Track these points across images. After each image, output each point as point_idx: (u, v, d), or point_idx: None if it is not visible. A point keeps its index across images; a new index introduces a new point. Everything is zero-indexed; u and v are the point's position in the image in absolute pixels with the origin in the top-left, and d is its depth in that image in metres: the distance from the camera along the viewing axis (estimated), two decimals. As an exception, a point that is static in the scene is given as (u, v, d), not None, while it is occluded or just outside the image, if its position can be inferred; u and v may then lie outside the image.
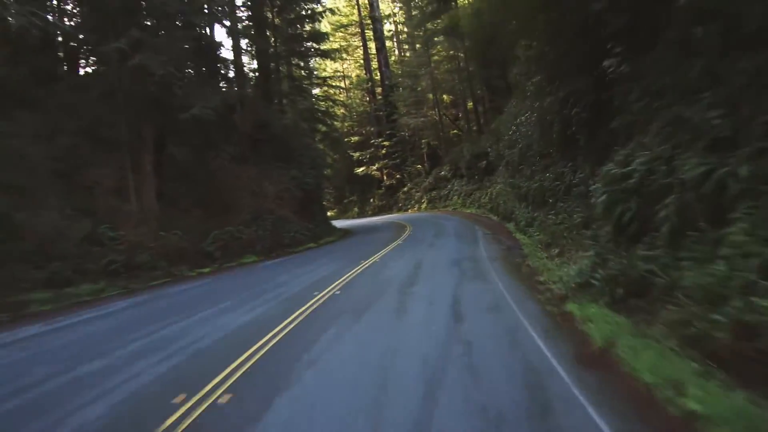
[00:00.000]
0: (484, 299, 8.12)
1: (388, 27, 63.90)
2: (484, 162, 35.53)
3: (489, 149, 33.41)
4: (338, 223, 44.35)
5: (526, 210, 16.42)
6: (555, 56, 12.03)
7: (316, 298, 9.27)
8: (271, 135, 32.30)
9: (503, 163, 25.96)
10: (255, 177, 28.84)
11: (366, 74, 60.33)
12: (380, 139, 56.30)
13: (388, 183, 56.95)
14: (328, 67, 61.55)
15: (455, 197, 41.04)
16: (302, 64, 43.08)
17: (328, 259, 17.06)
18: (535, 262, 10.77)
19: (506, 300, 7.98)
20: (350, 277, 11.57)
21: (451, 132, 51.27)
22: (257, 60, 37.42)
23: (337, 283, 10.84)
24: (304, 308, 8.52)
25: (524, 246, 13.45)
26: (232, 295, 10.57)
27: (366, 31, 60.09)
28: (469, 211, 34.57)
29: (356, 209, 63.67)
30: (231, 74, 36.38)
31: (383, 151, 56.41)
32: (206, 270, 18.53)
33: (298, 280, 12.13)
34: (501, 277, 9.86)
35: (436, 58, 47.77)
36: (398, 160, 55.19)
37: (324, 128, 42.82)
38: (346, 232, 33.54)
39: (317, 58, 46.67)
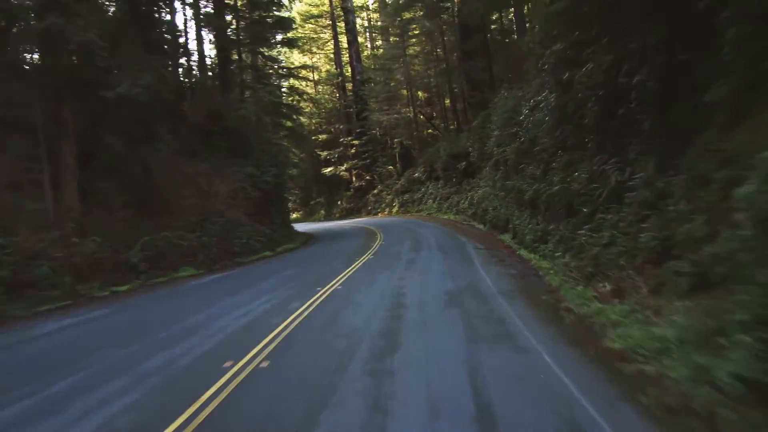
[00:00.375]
0: (536, 406, 4.14)
1: (360, 22, 59.93)
2: (464, 163, 31.87)
3: (470, 148, 29.73)
4: (303, 227, 40.27)
5: (534, 221, 12.61)
6: (601, 3, 8.24)
7: (205, 396, 4.94)
8: (226, 127, 28.01)
9: (491, 163, 22.23)
10: (205, 173, 24.51)
11: (336, 69, 56.11)
12: (350, 138, 52.16)
13: (357, 184, 52.87)
14: (297, 59, 57.12)
15: (430, 201, 37.30)
16: (266, 52, 38.86)
17: (277, 279, 12.86)
18: (580, 305, 6.89)
19: (584, 409, 4.02)
20: (294, 324, 7.44)
21: (426, 131, 47.59)
22: (216, 44, 33.01)
23: (267, 340, 6.56)
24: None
25: (543, 272, 9.61)
26: (80, 363, 6.22)
27: (337, 23, 55.92)
28: (446, 217, 30.81)
29: (323, 212, 59.38)
30: (185, 60, 32.05)
31: (352, 151, 52.27)
32: (124, 288, 14.22)
33: (217, 324, 7.90)
34: (539, 336, 5.88)
35: (411, 51, 43.99)
36: (368, 161, 51.14)
37: (289, 123, 38.67)
38: (309, 238, 29.39)
39: (284, 49, 42.27)
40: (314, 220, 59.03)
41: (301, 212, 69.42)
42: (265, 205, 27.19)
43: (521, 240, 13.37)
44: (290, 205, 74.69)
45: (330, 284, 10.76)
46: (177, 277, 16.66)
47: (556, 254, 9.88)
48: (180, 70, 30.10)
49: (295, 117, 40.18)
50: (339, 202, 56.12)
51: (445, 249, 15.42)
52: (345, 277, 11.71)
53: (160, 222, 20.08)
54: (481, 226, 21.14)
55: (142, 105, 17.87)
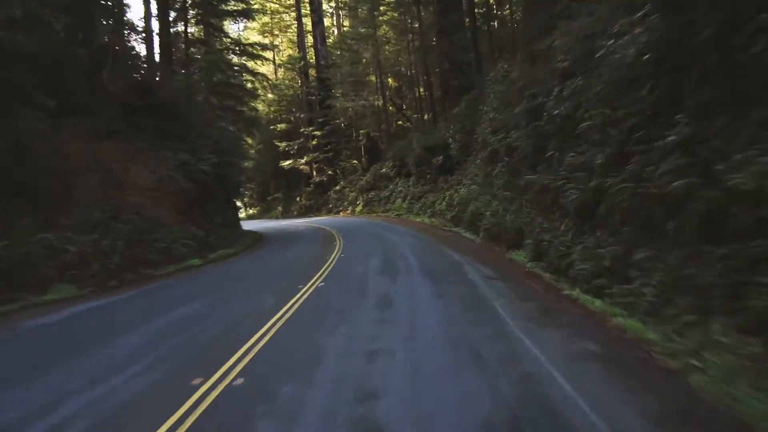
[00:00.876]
0: None
1: (327, 3, 54.11)
2: (441, 157, 26.82)
3: (450, 139, 24.72)
4: (257, 225, 34.72)
5: (590, 239, 7.53)
6: None
7: None
8: (157, 104, 22.17)
9: (483, 154, 17.24)
10: (122, 158, 18.76)
11: (299, 52, 50.22)
12: (311, 128, 46.45)
13: (317, 179, 47.18)
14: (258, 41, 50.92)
15: (399, 200, 32.11)
16: (218, 23, 33.04)
17: (146, 336, 7.31)
18: None
19: None
20: None
21: (396, 123, 42.41)
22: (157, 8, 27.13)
23: None
24: None
25: (665, 359, 4.46)
26: None
27: (302, 2, 50.02)
28: (419, 220, 25.66)
29: (280, 208, 53.41)
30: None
31: (314, 142, 46.56)
32: None
33: None
34: None
35: (382, 32, 38.70)
36: (331, 154, 45.54)
37: (241, 107, 32.95)
38: (255, 241, 23.87)
39: (242, 25, 36.27)
40: (271, 217, 53.06)
41: (258, 208, 63.30)
42: (200, 200, 21.53)
43: (558, 267, 8.25)
44: (246, 200, 68.63)
45: (255, 336, 5.41)
46: (34, 305, 11.03)
47: (684, 318, 4.77)
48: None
49: (248, 101, 34.40)
50: (298, 199, 50.32)
51: (434, 274, 10.12)
52: (282, 323, 6.41)
53: (45, 218, 14.39)
54: (470, 235, 16.02)
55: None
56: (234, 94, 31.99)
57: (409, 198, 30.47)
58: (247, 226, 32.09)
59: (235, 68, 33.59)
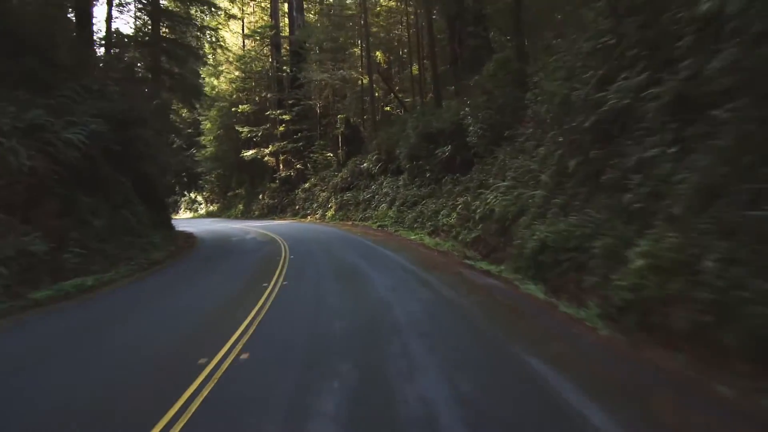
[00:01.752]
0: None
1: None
2: (449, 147, 18.36)
3: (468, 119, 16.25)
4: (201, 227, 28.20)
5: None
6: None
7: None
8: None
9: (558, 131, 8.81)
10: None
11: (271, 20, 41.23)
12: (279, 111, 37.56)
13: (284, 174, 38.29)
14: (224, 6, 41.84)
15: (383, 206, 23.50)
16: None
17: None
18: None
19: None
20: None
21: (384, 108, 33.80)
22: None
23: None
24: None
25: None
26: None
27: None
28: (414, 237, 17.04)
29: (241, 207, 44.33)
30: None
31: (281, 128, 37.67)
32: None
33: None
34: None
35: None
36: (301, 144, 36.73)
37: (180, 69, 24.29)
38: (168, 257, 15.18)
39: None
40: (229, 217, 43.96)
41: (218, 204, 54.07)
42: (59, 191, 12.58)
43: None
44: (206, 194, 59.05)
45: None
46: None
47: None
48: None
49: (192, 60, 25.62)
50: (261, 196, 41.32)
51: None
52: None
53: None
54: (541, 294, 7.41)
55: None
56: (167, 49, 23.12)
57: (398, 204, 21.87)
58: (191, 229, 23.66)
59: (187, 20, 24.76)
